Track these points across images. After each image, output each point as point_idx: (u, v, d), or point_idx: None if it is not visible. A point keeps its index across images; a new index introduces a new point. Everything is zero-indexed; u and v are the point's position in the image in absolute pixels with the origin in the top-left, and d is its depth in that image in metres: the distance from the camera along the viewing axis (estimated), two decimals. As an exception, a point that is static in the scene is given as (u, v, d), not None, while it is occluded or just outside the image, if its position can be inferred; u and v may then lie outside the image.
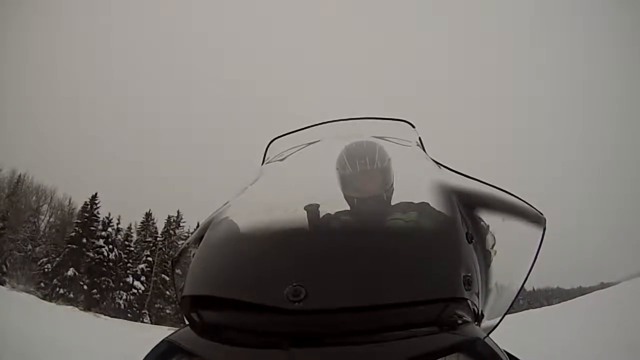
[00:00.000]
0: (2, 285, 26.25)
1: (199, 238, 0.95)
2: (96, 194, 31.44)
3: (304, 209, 0.90)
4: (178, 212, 34.36)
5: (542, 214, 0.94)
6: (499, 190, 0.96)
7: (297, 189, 1.05)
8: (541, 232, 0.93)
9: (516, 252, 1.00)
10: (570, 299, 13.24)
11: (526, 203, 0.95)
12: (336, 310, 0.67)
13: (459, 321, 0.70)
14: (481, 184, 1.00)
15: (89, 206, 31.13)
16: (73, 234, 30.15)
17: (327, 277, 0.71)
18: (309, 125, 1.39)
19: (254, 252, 0.80)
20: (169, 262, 1.16)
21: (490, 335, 0.73)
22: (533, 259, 0.95)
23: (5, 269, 31.23)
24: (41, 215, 34.49)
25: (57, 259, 30.25)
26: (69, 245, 29.87)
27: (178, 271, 1.09)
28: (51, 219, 34.69)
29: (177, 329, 0.79)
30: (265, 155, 1.38)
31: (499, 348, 0.67)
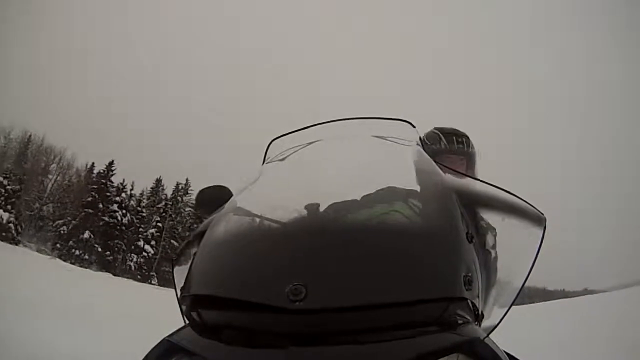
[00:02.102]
0: (16, 245, 28.01)
1: (200, 237, 0.95)
2: (112, 161, 32.88)
3: (304, 208, 0.90)
4: (187, 179, 35.95)
5: (542, 213, 0.94)
6: (499, 190, 0.97)
7: (298, 188, 1.05)
8: (541, 232, 0.92)
9: (516, 252, 1.00)
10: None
11: (526, 202, 0.95)
12: (336, 310, 0.67)
13: (459, 321, 0.70)
14: (481, 183, 1.02)
15: (105, 172, 32.53)
16: (89, 198, 31.68)
17: (327, 276, 0.71)
18: (309, 125, 1.40)
19: (254, 251, 0.81)
20: (170, 260, 1.17)
21: (491, 335, 0.74)
22: (533, 259, 0.95)
23: (20, 230, 32.74)
24: (50, 175, 35.66)
25: (73, 222, 31.83)
26: (85, 210, 31.43)
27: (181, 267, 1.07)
28: (58, 178, 35.89)
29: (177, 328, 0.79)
30: (265, 155, 1.39)
31: (499, 348, 0.68)
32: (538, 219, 0.93)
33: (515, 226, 0.94)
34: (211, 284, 0.78)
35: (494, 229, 0.97)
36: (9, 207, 31.78)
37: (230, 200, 1.08)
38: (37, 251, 29.55)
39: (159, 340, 0.73)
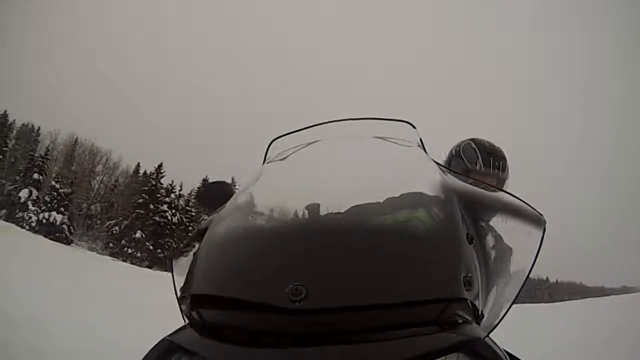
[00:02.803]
0: (69, 244, 29.00)
1: (200, 237, 0.95)
2: (161, 163, 33.61)
3: (305, 208, 0.90)
4: (232, 179, 36.56)
5: (542, 215, 0.94)
6: (499, 191, 0.98)
7: (298, 188, 1.05)
8: (541, 234, 0.92)
9: (516, 253, 0.99)
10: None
11: (526, 204, 0.95)
12: (337, 310, 0.67)
13: (459, 321, 0.70)
14: (481, 184, 1.02)
15: (155, 174, 33.29)
16: (140, 200, 32.56)
17: (327, 276, 0.71)
18: (310, 125, 1.40)
19: (254, 251, 0.81)
20: (168, 260, 1.15)
21: (491, 335, 0.73)
22: (533, 260, 0.94)
23: (72, 230, 33.75)
24: (96, 176, 36.56)
25: (125, 222, 32.77)
26: (137, 211, 32.30)
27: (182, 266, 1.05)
28: (105, 179, 36.84)
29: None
30: (266, 155, 1.39)
31: (499, 348, 0.68)
32: (538, 221, 0.94)
33: (515, 227, 0.95)
34: (211, 284, 0.78)
35: (494, 230, 0.97)
36: (61, 209, 32.68)
37: (231, 199, 1.08)
38: (89, 249, 30.64)
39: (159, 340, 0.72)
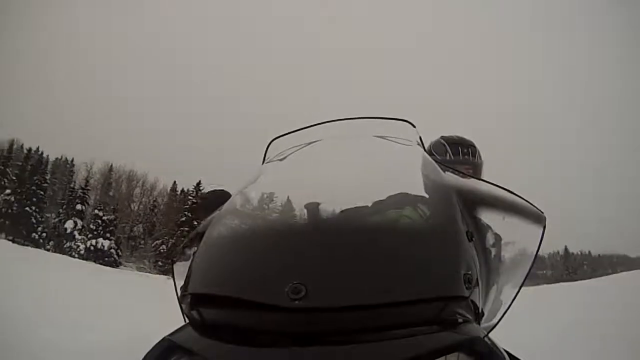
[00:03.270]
0: (117, 267, 29.85)
1: (200, 237, 0.95)
2: (200, 181, 34.35)
3: (304, 207, 0.89)
4: (272, 193, 37.24)
5: (542, 212, 0.94)
6: (499, 188, 0.97)
7: (297, 188, 1.04)
8: (541, 231, 0.92)
9: (516, 250, 0.99)
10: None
11: (526, 201, 0.95)
12: (336, 309, 0.67)
13: (459, 320, 0.70)
14: (481, 182, 1.02)
15: (194, 191, 33.98)
16: (183, 218, 33.31)
17: (327, 275, 0.71)
18: (309, 125, 1.40)
19: (254, 250, 0.81)
20: (170, 260, 1.12)
21: (491, 334, 0.73)
22: (533, 258, 0.95)
23: (120, 253, 34.68)
24: (135, 199, 37.54)
25: (171, 240, 33.58)
26: (181, 229, 33.04)
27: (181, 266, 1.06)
28: (144, 200, 37.82)
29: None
30: (265, 154, 1.39)
31: (499, 347, 0.68)
32: (538, 218, 0.93)
33: (515, 225, 0.94)
34: (211, 283, 0.78)
35: (494, 227, 0.97)
36: (107, 234, 33.60)
37: (230, 199, 1.08)
38: (137, 269, 31.46)
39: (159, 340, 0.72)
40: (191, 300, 0.78)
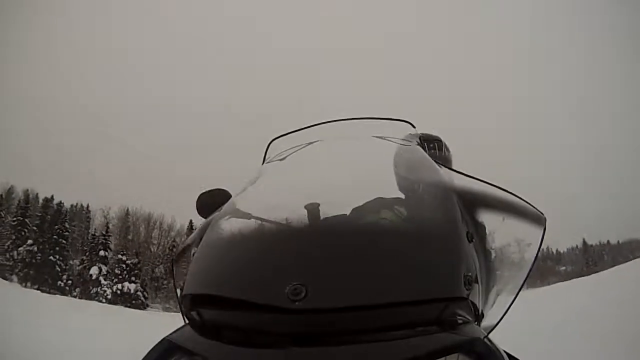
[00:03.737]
0: (144, 309, 30.34)
1: (200, 237, 0.95)
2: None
3: (304, 208, 0.88)
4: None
5: (542, 213, 0.93)
6: (499, 190, 0.96)
7: (297, 188, 1.04)
8: (541, 232, 0.92)
9: (516, 251, 0.99)
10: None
11: (526, 202, 0.94)
12: (336, 310, 0.67)
13: (459, 321, 0.70)
14: (481, 183, 1.01)
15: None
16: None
17: (327, 276, 0.71)
18: (309, 125, 1.39)
19: (254, 251, 0.81)
20: (171, 260, 1.13)
21: (490, 335, 0.73)
22: (533, 259, 0.94)
23: (146, 295, 35.14)
24: (154, 241, 38.11)
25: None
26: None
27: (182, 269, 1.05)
28: (162, 241, 38.44)
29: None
30: (265, 155, 1.38)
31: (499, 348, 0.67)
32: (538, 219, 0.93)
33: (515, 226, 0.94)
34: (211, 284, 0.78)
35: (495, 228, 0.97)
36: (132, 278, 34.16)
37: (230, 200, 1.08)
38: (163, 310, 31.92)
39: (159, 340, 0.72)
40: (191, 300, 0.78)
